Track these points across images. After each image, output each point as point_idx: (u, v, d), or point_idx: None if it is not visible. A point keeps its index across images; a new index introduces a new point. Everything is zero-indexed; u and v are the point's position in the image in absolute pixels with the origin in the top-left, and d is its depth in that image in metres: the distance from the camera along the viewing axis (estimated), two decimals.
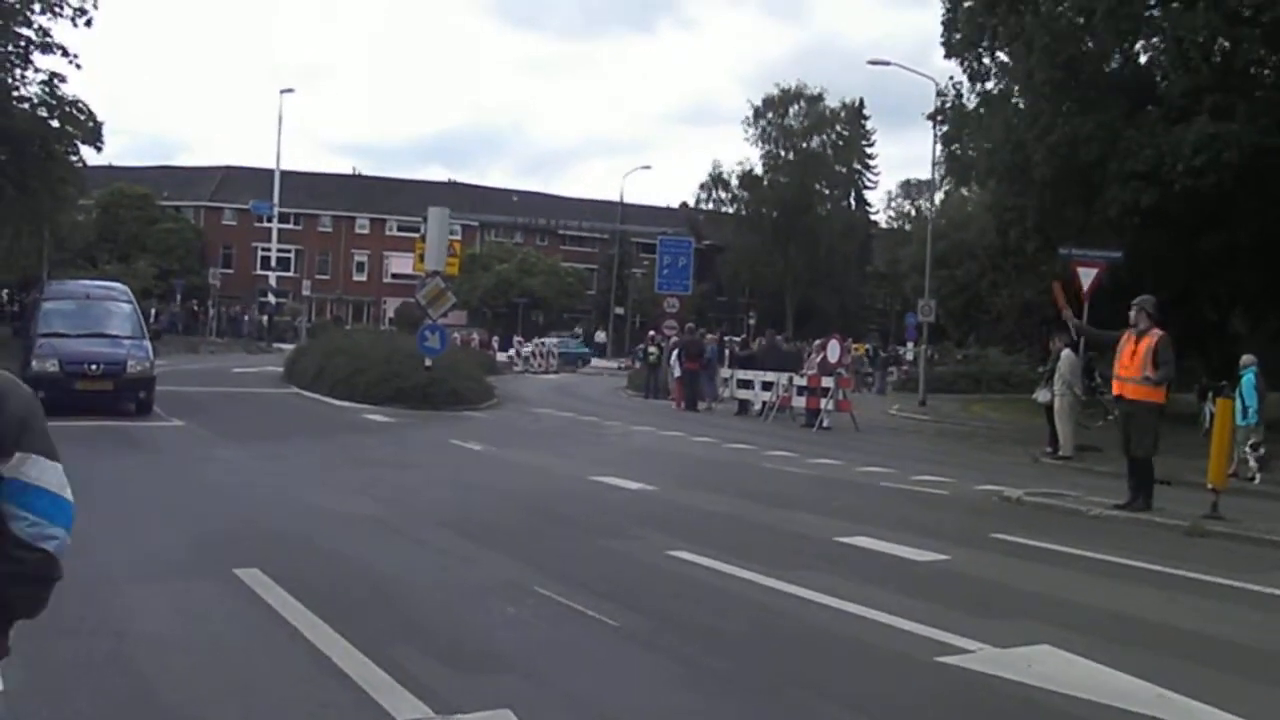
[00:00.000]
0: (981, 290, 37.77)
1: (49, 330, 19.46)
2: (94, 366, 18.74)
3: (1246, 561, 10.02)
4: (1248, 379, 17.58)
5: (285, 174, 62.78)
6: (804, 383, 25.84)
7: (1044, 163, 23.88)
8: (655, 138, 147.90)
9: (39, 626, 6.02)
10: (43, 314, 20.10)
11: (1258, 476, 17.08)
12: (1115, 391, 12.90)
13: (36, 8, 31.61)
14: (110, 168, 61.48)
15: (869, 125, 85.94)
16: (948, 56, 27.95)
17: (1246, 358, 18.10)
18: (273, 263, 63.41)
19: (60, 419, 16.86)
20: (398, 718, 4.91)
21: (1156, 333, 12.41)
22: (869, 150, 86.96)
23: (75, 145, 34.55)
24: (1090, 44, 24.45)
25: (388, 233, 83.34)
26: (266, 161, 65.12)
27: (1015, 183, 26.57)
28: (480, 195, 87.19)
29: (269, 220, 63.36)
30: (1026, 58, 24.09)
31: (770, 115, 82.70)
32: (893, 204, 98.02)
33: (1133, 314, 12.69)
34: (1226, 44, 22.70)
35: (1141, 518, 12.05)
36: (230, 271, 74.98)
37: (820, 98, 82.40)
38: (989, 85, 28.23)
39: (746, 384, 29.04)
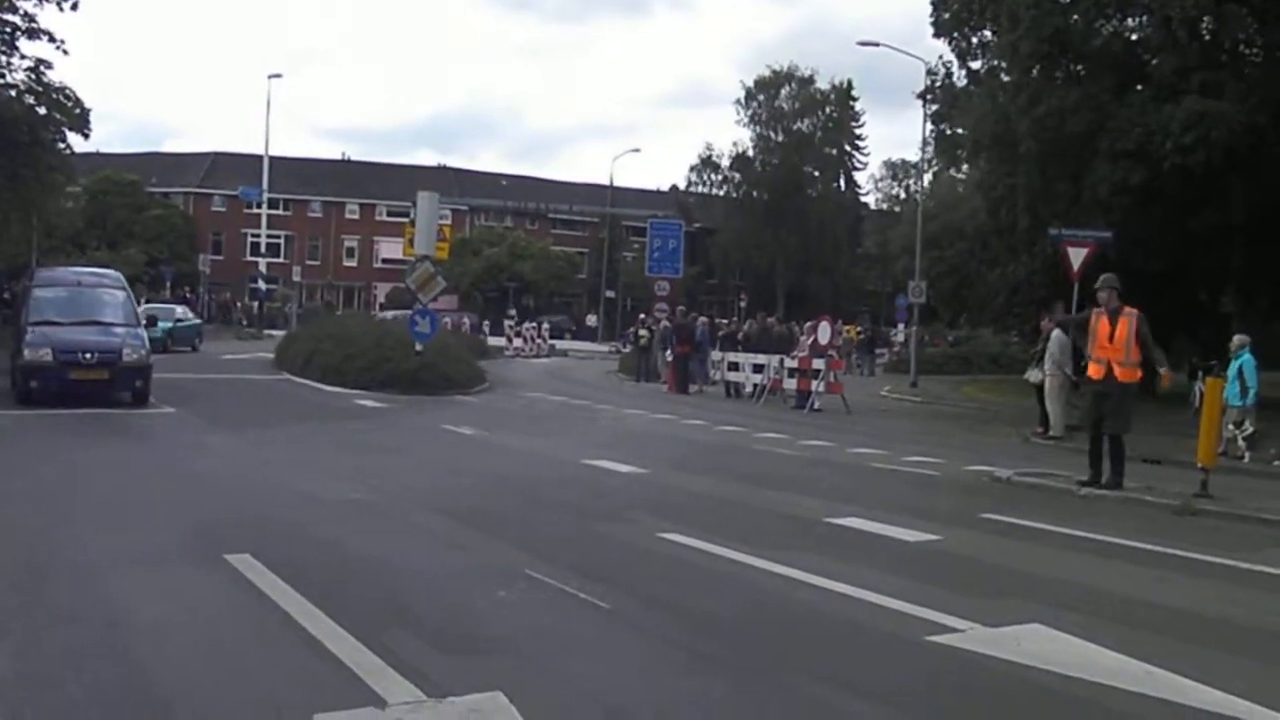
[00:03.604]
0: (971, 271, 37.79)
1: (40, 318, 18.87)
2: (88, 355, 18.18)
3: (1236, 540, 10.08)
4: (1248, 360, 17.56)
5: (274, 159, 62.59)
6: (795, 365, 25.89)
7: (1031, 136, 23.87)
8: (648, 120, 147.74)
9: (31, 615, 6.06)
10: (34, 302, 19.44)
11: (1246, 455, 17.13)
12: (1094, 373, 12.81)
13: None
14: (98, 154, 61.12)
15: (858, 106, 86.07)
16: (936, 35, 27.96)
17: (1241, 338, 18.05)
18: (262, 249, 63.22)
19: (52, 408, 16.70)
20: (389, 701, 4.91)
21: (1133, 313, 12.44)
22: (858, 131, 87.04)
23: (63, 132, 34.33)
24: (1076, 18, 24.42)
25: (378, 218, 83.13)
26: (255, 147, 65.04)
27: (1004, 160, 26.57)
28: (470, 179, 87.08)
29: (258, 206, 63.14)
30: (1013, 31, 24.06)
31: (761, 97, 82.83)
32: (879, 186, 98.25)
33: (1104, 295, 12.73)
34: (1214, 22, 22.68)
35: (1133, 497, 12.10)
36: (220, 258, 74.62)
37: (811, 79, 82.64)
38: (977, 64, 28.26)
39: (735, 366, 29.09)
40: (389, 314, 44.84)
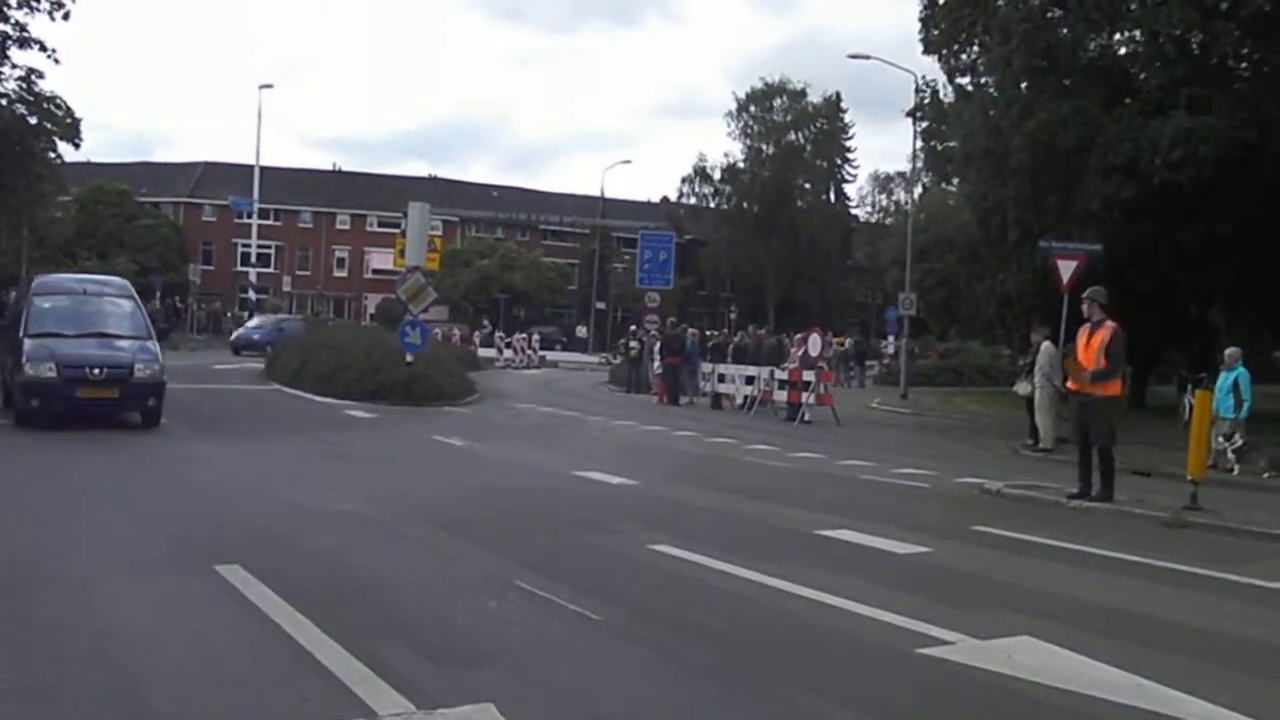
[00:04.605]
0: (961, 283, 37.90)
1: (41, 330, 17.17)
2: (97, 371, 16.51)
3: (1226, 552, 10.10)
4: (1244, 373, 17.63)
5: (265, 169, 62.52)
6: (785, 377, 25.91)
7: (1022, 149, 23.95)
8: (640, 131, 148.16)
9: (21, 626, 6.04)
10: (34, 312, 17.64)
11: (1236, 468, 17.18)
12: (1071, 384, 12.94)
13: (13, 2, 31.41)
14: (88, 164, 61.05)
15: (847, 119, 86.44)
16: (926, 52, 28.04)
17: (1235, 351, 18.12)
18: (253, 259, 63.17)
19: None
20: (379, 712, 4.91)
21: (1110, 325, 12.51)
22: (848, 144, 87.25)
23: (53, 142, 34.35)
24: (1066, 32, 24.53)
25: (368, 228, 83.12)
26: (246, 157, 64.92)
27: (994, 172, 26.66)
28: (461, 190, 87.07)
29: (249, 216, 63.11)
30: (1004, 45, 24.15)
31: (753, 109, 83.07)
32: (866, 199, 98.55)
33: (1085, 307, 12.83)
34: (1203, 37, 22.78)
35: (1123, 509, 12.12)
36: (210, 268, 74.74)
37: (803, 92, 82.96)
38: (966, 80, 28.34)
39: (723, 378, 29.10)
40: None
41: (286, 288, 69.70)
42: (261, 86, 63.07)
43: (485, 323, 60.07)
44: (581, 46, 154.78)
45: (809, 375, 25.28)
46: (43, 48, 31.99)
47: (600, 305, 73.81)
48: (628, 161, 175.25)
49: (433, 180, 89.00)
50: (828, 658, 6.27)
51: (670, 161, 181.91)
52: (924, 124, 31.58)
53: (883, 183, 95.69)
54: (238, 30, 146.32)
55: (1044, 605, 7.56)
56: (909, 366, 39.23)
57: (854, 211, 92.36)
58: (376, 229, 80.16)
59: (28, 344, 16.85)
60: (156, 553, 8.32)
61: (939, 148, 31.83)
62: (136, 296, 19.49)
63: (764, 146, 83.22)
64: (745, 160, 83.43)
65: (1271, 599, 8.36)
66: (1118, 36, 26.16)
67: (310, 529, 9.54)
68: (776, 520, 11.08)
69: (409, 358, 24.37)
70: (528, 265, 78.68)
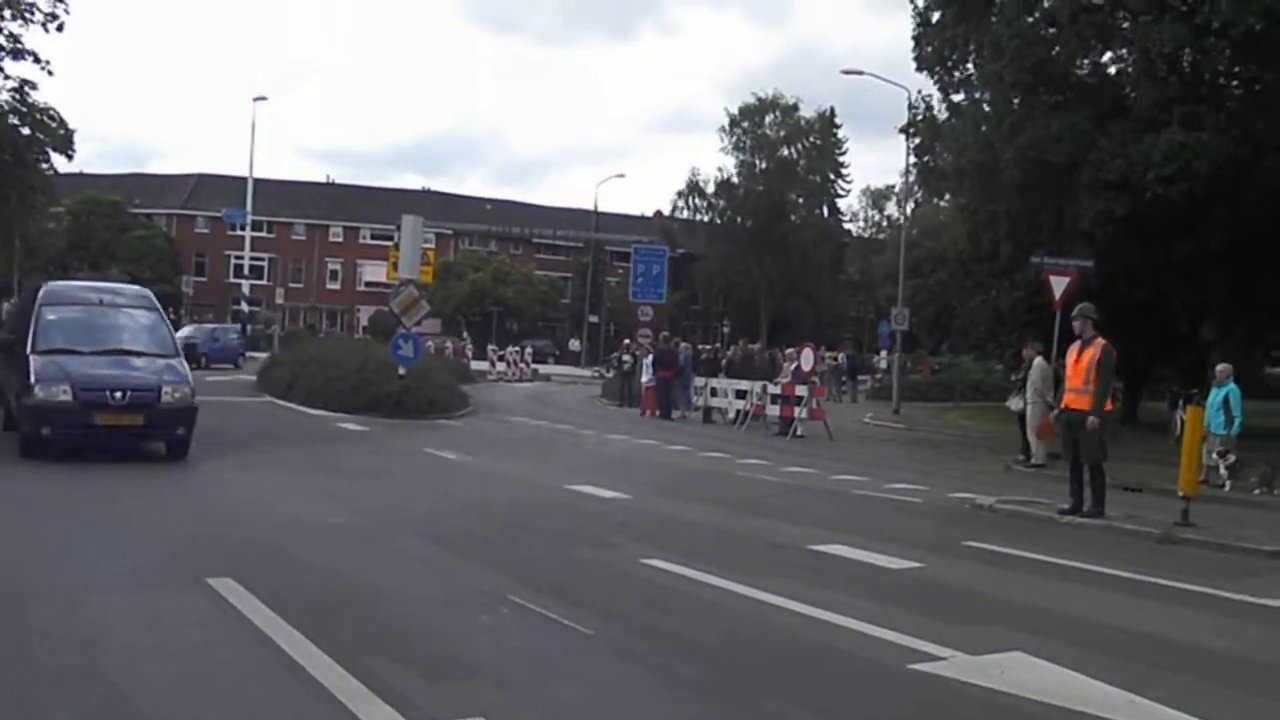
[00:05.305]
0: (953, 298, 37.98)
1: (51, 346, 14.87)
2: (118, 394, 14.25)
3: (1217, 568, 10.12)
4: (1234, 389, 17.67)
5: (259, 181, 62.47)
6: (778, 391, 25.91)
7: (1014, 165, 24.01)
8: (634, 146, 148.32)
9: (10, 637, 6.01)
10: (43, 325, 15.25)
11: (1228, 484, 17.20)
12: (1065, 401, 12.96)
13: (7, 14, 31.47)
14: (81, 175, 60.99)
15: (840, 134, 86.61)
16: (919, 70, 28.11)
17: (1225, 367, 18.16)
18: (246, 271, 63.04)
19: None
20: None
21: (1100, 342, 12.55)
22: (841, 159, 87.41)
23: (46, 153, 34.39)
24: (1058, 50, 24.62)
25: (361, 241, 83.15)
26: (240, 169, 64.98)
27: (986, 186, 26.71)
28: (454, 203, 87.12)
29: (242, 228, 62.98)
30: (996, 61, 24.23)
31: (746, 124, 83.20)
32: (859, 214, 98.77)
33: (1077, 324, 12.88)
34: (1194, 56, 22.87)
35: (1114, 525, 12.13)
36: (203, 280, 74.75)
37: (795, 107, 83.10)
38: (959, 97, 28.42)
39: (715, 392, 29.09)
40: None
41: (280, 300, 69.57)
42: (255, 99, 62.98)
43: (464, 335, 60.05)
44: (576, 60, 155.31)
45: (801, 390, 25.29)
46: (36, 59, 32.11)
47: (593, 319, 73.82)
48: (621, 175, 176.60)
49: (426, 193, 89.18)
50: (820, 673, 6.27)
51: (664, 176, 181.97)
52: (917, 140, 31.62)
53: (875, 198, 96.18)
54: (232, 42, 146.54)
55: (1036, 621, 7.57)
56: (901, 381, 39.25)
57: (847, 226, 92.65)
58: (370, 241, 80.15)
59: (36, 362, 14.56)
60: (148, 564, 8.30)
61: (932, 163, 31.86)
62: (160, 308, 17.17)
63: (757, 161, 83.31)
64: (738, 175, 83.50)
65: (1263, 615, 8.38)
66: (1109, 54, 26.26)
67: (303, 542, 9.53)
68: (769, 535, 11.08)
69: (401, 370, 24.35)
70: (521, 278, 78.82)
